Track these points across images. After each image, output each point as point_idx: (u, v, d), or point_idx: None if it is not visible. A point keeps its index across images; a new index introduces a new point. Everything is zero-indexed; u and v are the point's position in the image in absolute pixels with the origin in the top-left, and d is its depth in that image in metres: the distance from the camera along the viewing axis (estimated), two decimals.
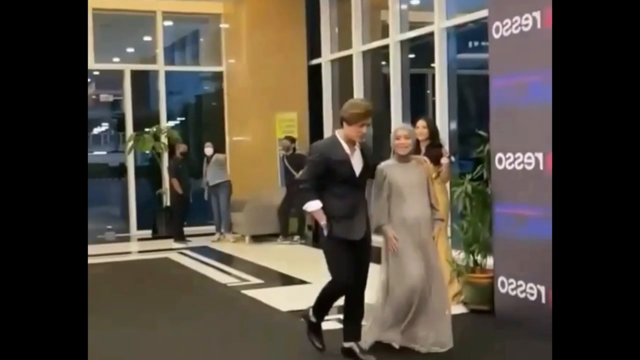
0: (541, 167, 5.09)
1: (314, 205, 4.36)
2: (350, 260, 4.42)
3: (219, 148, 11.34)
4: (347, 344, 4.62)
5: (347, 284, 4.45)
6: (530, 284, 5.20)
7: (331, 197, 4.36)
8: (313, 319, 4.70)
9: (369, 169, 4.53)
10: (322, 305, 4.65)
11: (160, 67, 12.21)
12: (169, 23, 12.42)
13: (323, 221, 4.35)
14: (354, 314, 4.62)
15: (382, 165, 4.66)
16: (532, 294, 5.19)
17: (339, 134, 4.45)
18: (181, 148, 10.86)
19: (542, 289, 5.11)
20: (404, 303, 4.57)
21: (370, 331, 4.74)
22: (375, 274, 4.73)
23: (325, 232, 4.36)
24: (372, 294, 4.79)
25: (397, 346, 4.67)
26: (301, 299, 6.67)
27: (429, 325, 4.62)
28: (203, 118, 14.29)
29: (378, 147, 10.55)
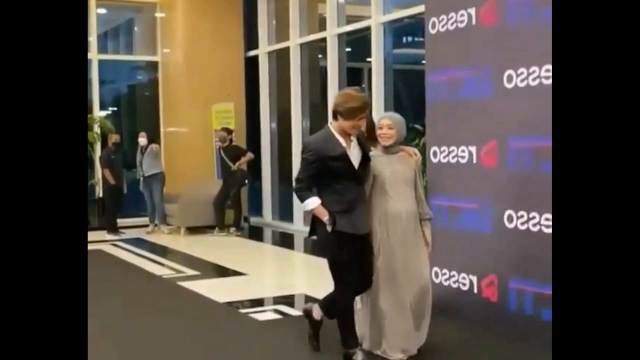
0: (475, 161, 5.22)
1: (313, 203, 4.06)
2: (354, 258, 4.13)
3: (154, 139, 11.19)
4: (317, 317, 4.44)
5: (357, 286, 4.16)
6: (463, 275, 5.34)
7: (331, 193, 4.06)
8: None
9: (368, 160, 4.20)
10: (345, 321, 4.22)
11: (94, 55, 11.95)
12: (102, 11, 12.15)
13: (326, 217, 4.02)
14: (331, 309, 4.31)
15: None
16: (464, 284, 5.33)
17: (333, 127, 4.10)
18: (114, 138, 10.66)
19: (475, 279, 5.25)
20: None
21: (360, 325, 4.42)
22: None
23: (329, 229, 4.03)
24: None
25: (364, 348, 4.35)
26: (238, 290, 6.70)
27: (380, 328, 4.28)
28: (137, 108, 14.06)
29: None
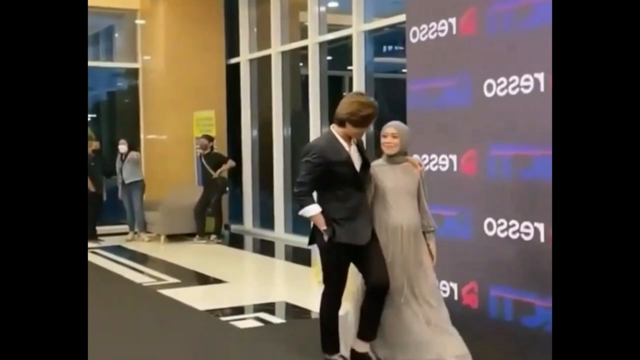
0: (455, 169, 5.27)
1: (313, 210, 3.94)
2: (347, 267, 4.07)
3: (134, 146, 11.13)
4: (361, 349, 4.16)
5: (340, 295, 4.10)
6: (444, 282, 5.38)
7: (332, 199, 3.97)
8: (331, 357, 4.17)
9: (368, 166, 4.10)
10: (326, 329, 4.16)
11: None
12: None
13: (323, 227, 3.93)
14: (370, 313, 4.11)
15: (371, 164, 4.18)
16: (445, 291, 5.37)
17: (336, 131, 4.00)
18: (93, 145, 10.58)
19: (455, 286, 5.30)
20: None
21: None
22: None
23: (326, 238, 3.94)
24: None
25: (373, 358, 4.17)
26: (219, 297, 6.68)
27: (401, 347, 4.09)
28: (117, 115, 13.99)
29: (296, 149, 10.66)
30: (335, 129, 4.01)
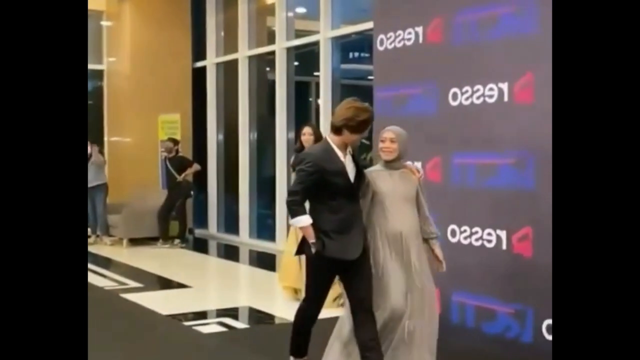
0: None
1: (303, 221, 3.84)
2: (332, 283, 4.03)
3: (98, 148, 11.00)
4: None
5: (320, 306, 4.05)
6: None
7: (324, 210, 3.87)
8: None
9: (362, 176, 4.00)
10: (298, 333, 4.15)
11: None
12: None
13: (312, 239, 3.83)
14: (367, 343, 3.91)
15: (368, 170, 4.09)
16: None
17: (331, 140, 3.91)
18: None
19: None
20: (381, 328, 3.95)
21: (332, 350, 4.11)
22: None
23: (314, 250, 3.85)
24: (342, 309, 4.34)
25: None
26: (182, 302, 6.64)
27: (408, 355, 3.98)
28: None
29: (262, 154, 10.66)
30: (331, 137, 3.93)
